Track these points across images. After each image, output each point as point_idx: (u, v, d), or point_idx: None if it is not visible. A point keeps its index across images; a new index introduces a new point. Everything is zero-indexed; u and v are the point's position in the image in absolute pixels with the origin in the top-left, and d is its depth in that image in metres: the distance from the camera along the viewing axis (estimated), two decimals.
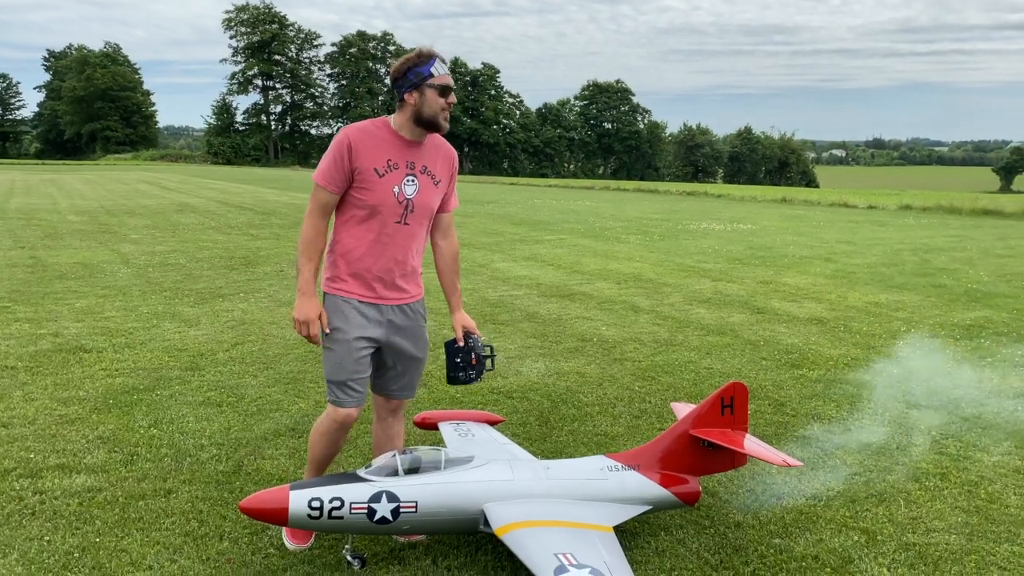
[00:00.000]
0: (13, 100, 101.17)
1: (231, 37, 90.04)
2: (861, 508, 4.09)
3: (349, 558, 3.42)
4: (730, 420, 3.73)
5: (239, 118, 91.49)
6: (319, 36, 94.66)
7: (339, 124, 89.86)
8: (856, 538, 3.78)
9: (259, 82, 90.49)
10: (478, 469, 3.39)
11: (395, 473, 3.28)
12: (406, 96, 3.38)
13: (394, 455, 3.36)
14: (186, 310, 8.57)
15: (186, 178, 44.16)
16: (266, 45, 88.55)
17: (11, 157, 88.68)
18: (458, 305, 3.83)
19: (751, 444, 3.69)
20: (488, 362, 3.75)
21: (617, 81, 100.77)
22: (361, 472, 3.28)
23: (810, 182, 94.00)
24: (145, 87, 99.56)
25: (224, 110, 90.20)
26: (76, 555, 3.49)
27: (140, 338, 7.31)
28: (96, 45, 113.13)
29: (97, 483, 4.21)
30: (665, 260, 13.22)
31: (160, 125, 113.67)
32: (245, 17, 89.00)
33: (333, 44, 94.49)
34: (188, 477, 4.31)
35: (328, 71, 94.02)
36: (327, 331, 3.48)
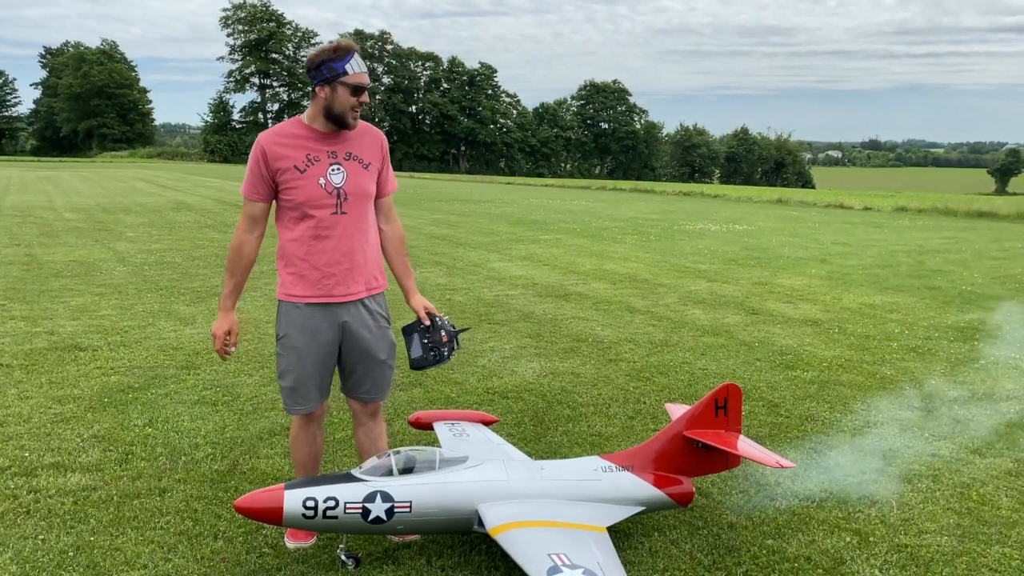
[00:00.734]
0: (9, 97, 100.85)
1: (228, 35, 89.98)
2: (853, 509, 4.11)
3: (344, 557, 3.43)
4: (724, 421, 3.74)
5: (236, 116, 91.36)
6: (317, 34, 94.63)
7: None
8: (848, 539, 3.80)
9: (256, 80, 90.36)
10: (472, 469, 3.40)
11: (389, 473, 3.29)
12: (318, 89, 3.35)
13: (388, 455, 3.37)
14: (182, 309, 8.57)
15: (183, 176, 44.10)
16: (263, 43, 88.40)
17: (7, 154, 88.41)
18: (414, 288, 3.72)
19: (744, 445, 3.71)
20: (455, 341, 3.63)
21: (614, 81, 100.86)
22: (356, 472, 3.29)
23: (806, 183, 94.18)
24: (142, 84, 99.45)
25: (221, 108, 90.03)
26: (71, 554, 3.50)
27: (135, 336, 7.30)
28: (93, 42, 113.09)
29: (92, 482, 4.22)
30: (661, 260, 13.24)
31: (157, 123, 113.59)
32: (243, 15, 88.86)
33: (330, 42, 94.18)
34: (183, 476, 4.32)
35: None
36: (234, 348, 3.54)
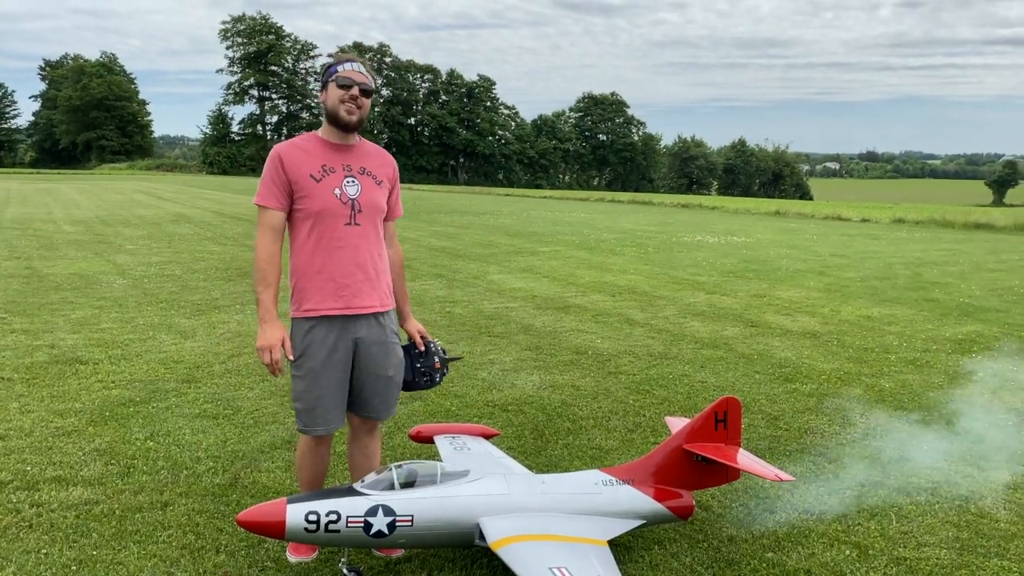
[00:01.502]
0: (8, 109, 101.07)
1: (228, 48, 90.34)
2: (853, 522, 4.13)
3: (345, 572, 3.44)
4: (723, 435, 3.76)
5: (235, 128, 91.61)
6: (316, 47, 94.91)
7: None
8: (848, 552, 3.81)
9: (255, 92, 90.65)
10: (474, 483, 3.42)
11: (391, 487, 3.31)
12: (320, 96, 3.46)
13: (390, 469, 3.38)
14: (182, 322, 8.59)
15: (182, 188, 44.18)
16: (262, 56, 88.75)
17: (6, 166, 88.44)
18: (409, 313, 3.81)
19: (744, 459, 3.73)
20: (447, 366, 3.76)
21: (612, 93, 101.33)
22: (357, 486, 3.31)
23: (804, 195, 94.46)
24: (141, 97, 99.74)
25: (220, 120, 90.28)
26: (73, 568, 3.51)
27: (136, 350, 7.32)
28: (92, 55, 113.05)
29: (94, 496, 4.23)
30: (659, 273, 13.28)
31: (156, 135, 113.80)
32: (242, 28, 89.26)
33: (330, 55, 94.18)
34: (185, 490, 4.33)
35: None
36: (290, 357, 3.45)
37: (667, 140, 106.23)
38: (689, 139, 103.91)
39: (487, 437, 4.32)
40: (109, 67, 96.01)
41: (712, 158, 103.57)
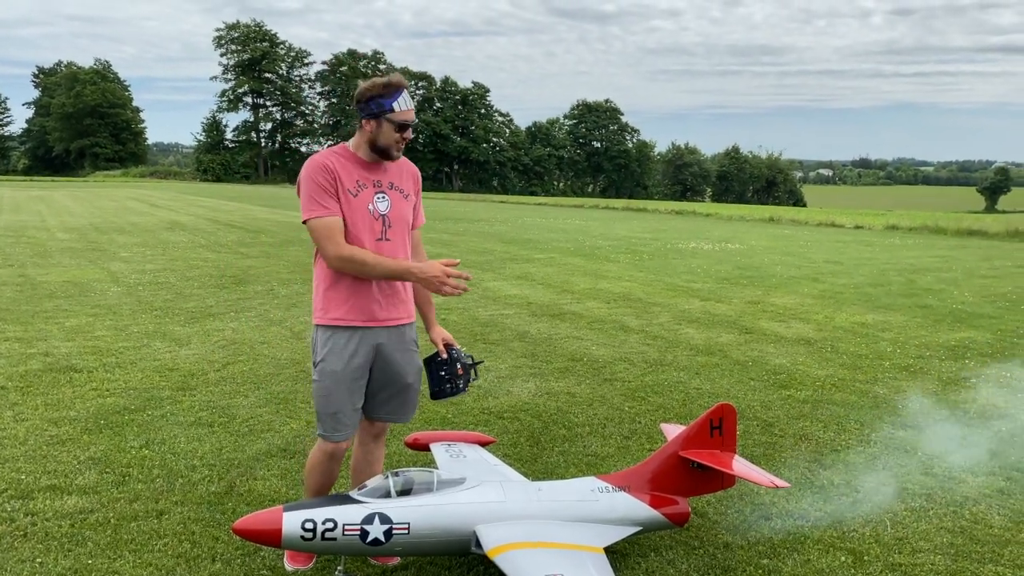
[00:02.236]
0: (2, 116, 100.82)
1: (222, 55, 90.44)
2: (848, 529, 4.14)
3: None
4: (719, 441, 3.78)
5: (229, 135, 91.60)
6: (310, 54, 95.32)
7: (329, 142, 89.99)
8: (843, 559, 3.83)
9: (249, 99, 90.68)
10: (470, 491, 3.42)
11: (388, 495, 3.31)
12: (364, 122, 3.42)
13: (387, 476, 3.39)
14: (177, 329, 8.57)
15: (176, 195, 44.12)
16: (256, 63, 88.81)
17: None
18: (435, 320, 3.83)
19: (740, 465, 3.74)
20: (472, 372, 3.75)
21: (606, 100, 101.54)
22: (354, 494, 3.31)
23: (797, 201, 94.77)
24: (135, 104, 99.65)
25: (214, 127, 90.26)
26: None
27: (131, 358, 7.30)
28: (86, 62, 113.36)
29: (89, 504, 4.21)
30: (654, 280, 13.30)
31: (149, 142, 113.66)
32: (236, 35, 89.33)
33: (324, 62, 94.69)
34: (180, 498, 4.32)
35: (318, 89, 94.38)
36: (466, 277, 3.40)
37: (661, 147, 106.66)
38: (683, 146, 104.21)
39: (483, 444, 4.32)
40: (103, 74, 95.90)
41: (706, 165, 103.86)
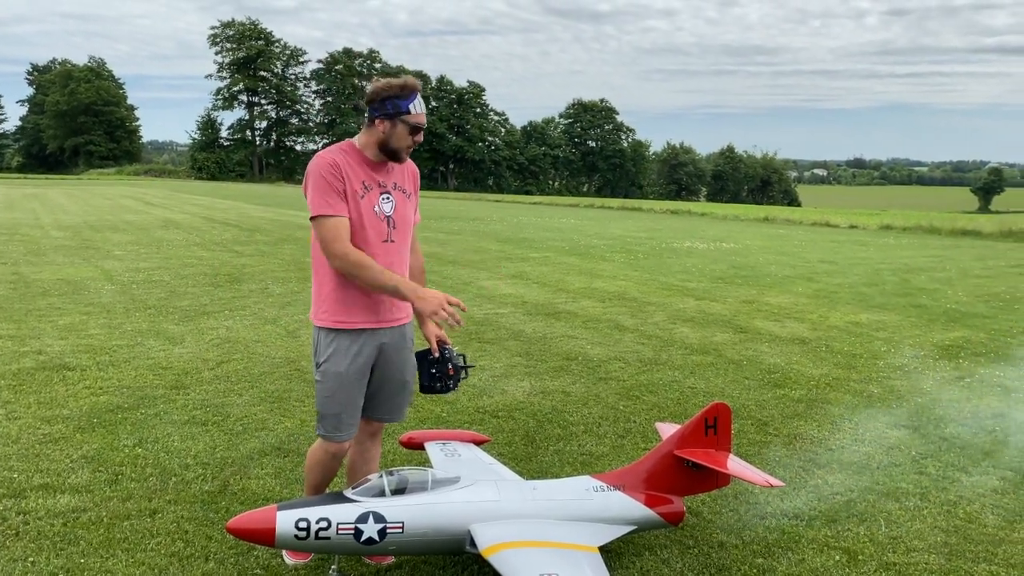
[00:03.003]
0: None
1: (217, 53, 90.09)
2: (842, 528, 4.14)
3: None
4: (714, 440, 3.78)
5: (224, 133, 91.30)
6: (305, 52, 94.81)
7: (324, 140, 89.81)
8: (837, 558, 3.83)
9: (244, 98, 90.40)
10: (464, 489, 3.42)
11: (382, 494, 3.30)
12: (377, 121, 3.38)
13: (381, 475, 3.38)
14: (171, 328, 8.55)
15: (170, 193, 43.99)
16: (252, 61, 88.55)
17: None
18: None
19: (734, 464, 3.74)
20: (463, 372, 3.74)
21: (601, 100, 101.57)
22: (348, 492, 3.30)
23: (792, 201, 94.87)
24: (129, 102, 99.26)
25: (209, 125, 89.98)
26: None
27: (124, 356, 7.28)
28: (80, 59, 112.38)
29: (81, 503, 4.20)
30: (649, 279, 13.31)
31: (144, 140, 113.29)
32: (231, 33, 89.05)
33: (319, 61, 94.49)
34: (173, 497, 4.31)
35: (314, 88, 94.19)
36: (463, 307, 3.38)
37: (656, 146, 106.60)
38: (678, 145, 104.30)
39: (478, 443, 4.32)
40: (97, 72, 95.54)
41: (701, 164, 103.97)
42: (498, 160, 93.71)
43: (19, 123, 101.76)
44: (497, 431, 5.48)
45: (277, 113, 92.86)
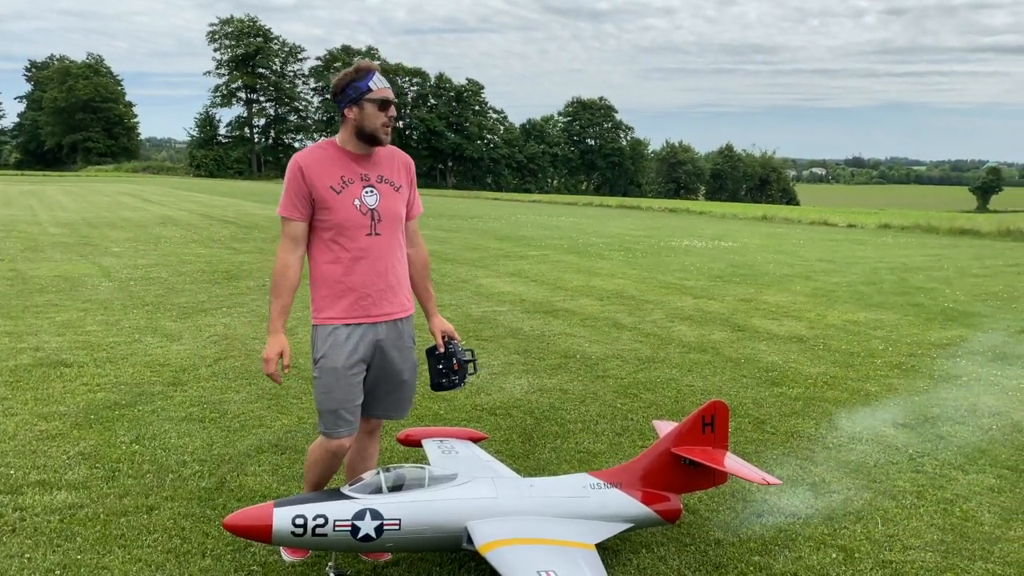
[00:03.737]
0: None
1: (215, 50, 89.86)
2: (839, 526, 4.15)
3: (332, 575, 3.43)
4: (711, 438, 3.78)
5: (222, 131, 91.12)
6: (304, 50, 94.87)
7: (323, 137, 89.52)
8: (834, 555, 3.83)
9: (243, 95, 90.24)
10: (462, 487, 3.42)
11: (379, 490, 3.30)
12: (346, 111, 3.39)
13: (378, 472, 3.38)
14: (168, 325, 8.54)
15: (168, 190, 43.93)
16: (250, 58, 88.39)
17: None
18: (434, 310, 3.83)
19: (731, 462, 3.74)
20: (470, 367, 3.75)
21: (600, 98, 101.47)
22: (345, 489, 3.30)
23: (791, 200, 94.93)
24: (127, 99, 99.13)
25: (207, 123, 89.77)
26: (57, 573, 3.48)
27: (122, 353, 7.27)
28: (79, 56, 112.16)
29: (78, 500, 4.19)
30: (647, 277, 13.31)
31: (142, 137, 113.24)
32: (229, 30, 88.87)
33: (318, 58, 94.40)
34: (170, 494, 4.30)
35: (312, 85, 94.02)
36: (286, 368, 3.46)
37: (655, 145, 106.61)
38: (677, 144, 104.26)
39: (475, 441, 4.32)
40: (95, 68, 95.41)
41: (700, 163, 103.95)
42: (497, 158, 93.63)
43: (17, 120, 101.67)
44: (495, 428, 5.48)
45: (275, 110, 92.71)
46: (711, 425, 3.76)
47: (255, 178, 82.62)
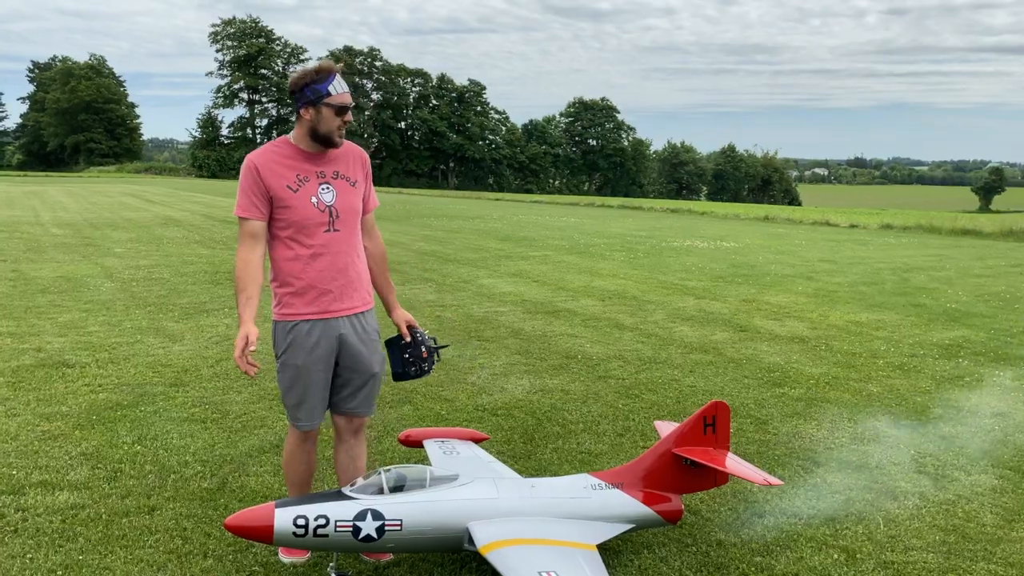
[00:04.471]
0: None
1: (217, 51, 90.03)
2: (841, 526, 4.14)
3: (334, 575, 3.43)
4: (712, 439, 3.77)
5: (224, 131, 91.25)
6: (306, 51, 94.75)
7: None
8: (836, 556, 3.83)
9: (245, 96, 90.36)
10: (463, 487, 3.42)
11: (380, 491, 3.30)
12: (303, 111, 3.40)
13: (379, 473, 3.38)
14: (170, 325, 8.55)
15: (171, 191, 43.97)
16: (252, 59, 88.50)
17: None
18: (396, 302, 3.84)
19: (733, 463, 3.74)
20: (436, 354, 3.77)
21: (602, 98, 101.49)
22: (346, 490, 3.30)
23: (792, 200, 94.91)
24: (129, 99, 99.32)
25: (209, 123, 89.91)
26: (59, 573, 3.48)
27: (124, 353, 7.28)
28: (81, 57, 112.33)
29: (80, 500, 4.20)
30: (649, 277, 13.30)
31: (144, 137, 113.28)
32: (232, 31, 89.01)
33: (319, 59, 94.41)
34: (172, 494, 4.31)
35: None
36: (250, 355, 3.38)
37: (657, 145, 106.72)
38: (679, 144, 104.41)
39: (476, 441, 4.32)
40: (98, 69, 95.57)
41: (701, 163, 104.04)
42: (498, 159, 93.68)
43: (20, 120, 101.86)
44: (496, 429, 5.48)
45: (278, 111, 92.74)
46: (713, 426, 3.76)
47: None
